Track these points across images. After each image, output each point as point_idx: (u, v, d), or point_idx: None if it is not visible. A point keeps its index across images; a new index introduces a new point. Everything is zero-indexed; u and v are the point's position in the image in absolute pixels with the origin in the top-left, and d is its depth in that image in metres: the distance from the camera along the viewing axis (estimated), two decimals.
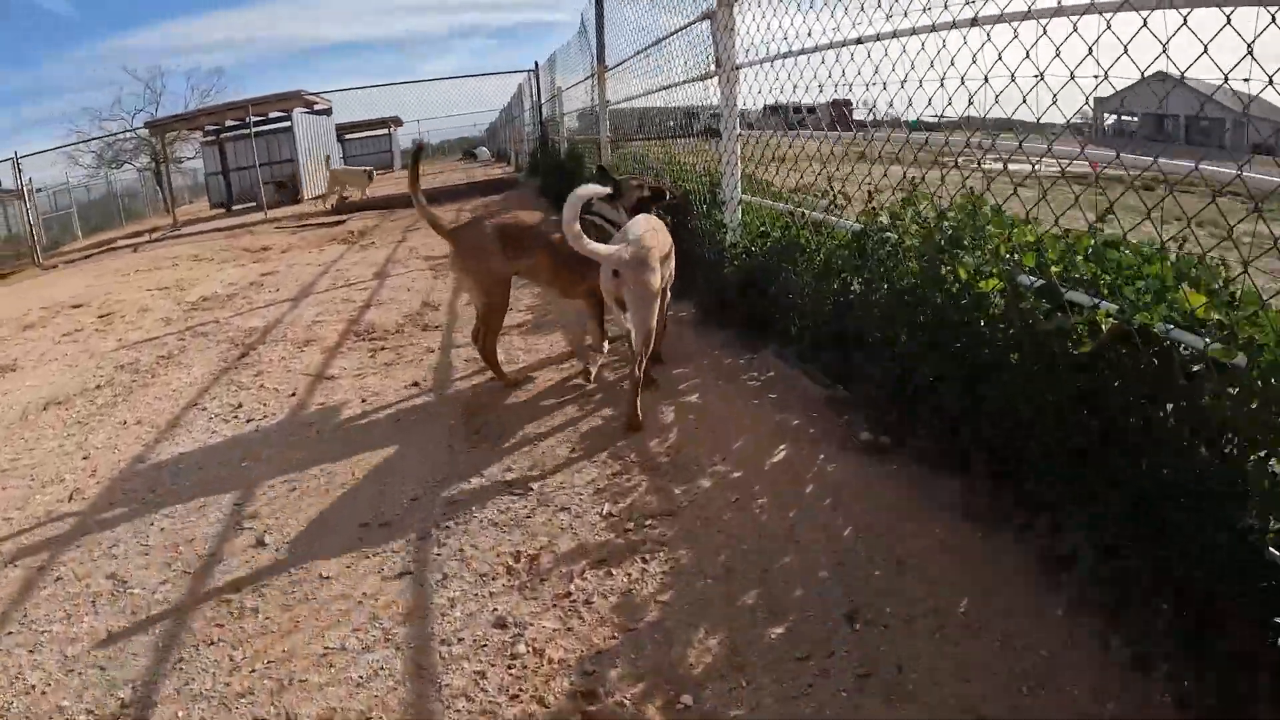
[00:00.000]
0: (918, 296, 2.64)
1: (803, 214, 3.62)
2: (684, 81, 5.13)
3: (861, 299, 3.01)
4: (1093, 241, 2.39)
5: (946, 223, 2.64)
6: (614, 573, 2.19)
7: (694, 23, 4.66)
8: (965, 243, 2.59)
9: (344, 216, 12.96)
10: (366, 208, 13.94)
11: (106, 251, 13.63)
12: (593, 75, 8.40)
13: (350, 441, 3.25)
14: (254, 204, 17.12)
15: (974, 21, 2.48)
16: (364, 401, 3.70)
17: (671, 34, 5.23)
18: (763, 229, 3.92)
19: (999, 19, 2.39)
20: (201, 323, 5.94)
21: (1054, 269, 2.31)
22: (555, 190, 10.70)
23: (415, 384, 3.83)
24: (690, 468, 2.68)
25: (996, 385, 2.28)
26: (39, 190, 20.71)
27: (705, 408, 3.14)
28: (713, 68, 4.44)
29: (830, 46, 3.24)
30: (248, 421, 3.65)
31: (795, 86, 3.66)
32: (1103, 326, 2.04)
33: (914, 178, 3.05)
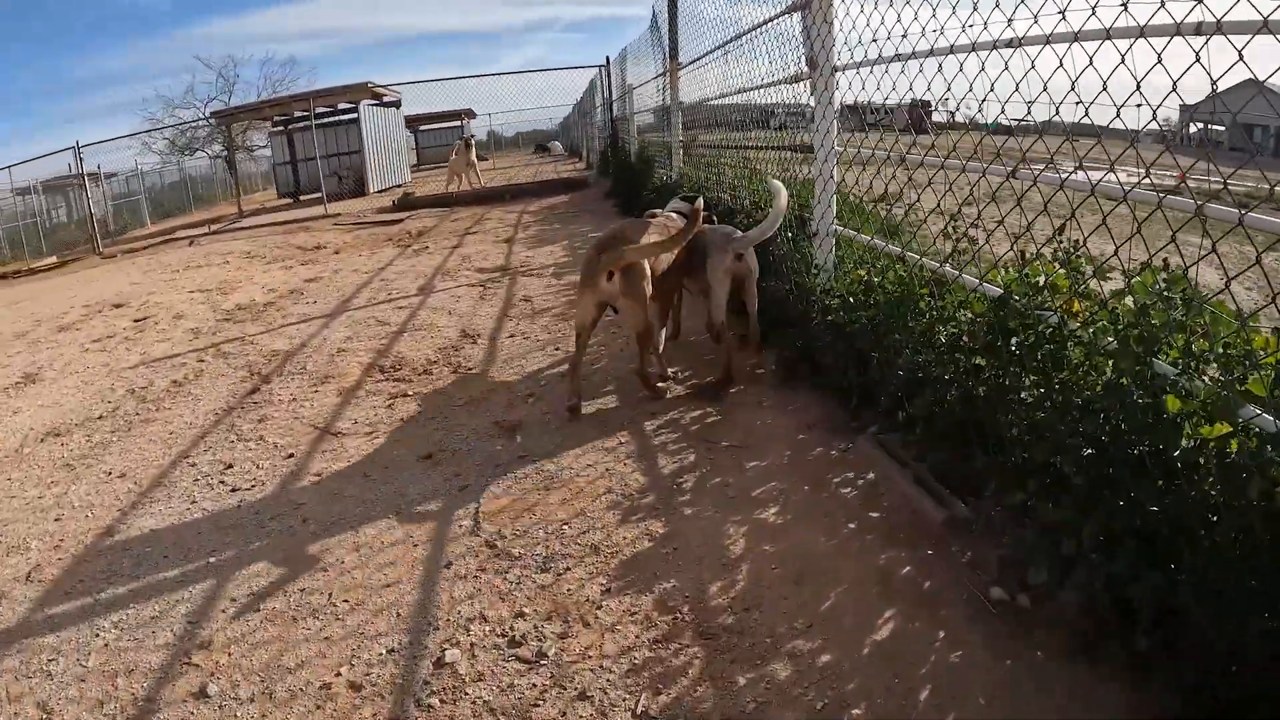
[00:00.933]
0: (1093, 417, 1.85)
1: (919, 264, 2.82)
2: (768, 84, 4.34)
3: (998, 393, 2.22)
4: None
5: (1149, 319, 1.83)
6: None
7: (781, 15, 3.87)
8: (1163, 348, 1.81)
9: (403, 215, 12.48)
10: (430, 205, 13.48)
11: (166, 242, 13.52)
12: (664, 73, 7.63)
13: (338, 540, 2.61)
14: (321, 194, 16.88)
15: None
16: (366, 476, 3.05)
17: (753, 29, 4.44)
18: (864, 276, 3.11)
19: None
20: (228, 339, 5.53)
21: None
22: (624, 193, 10.06)
23: (429, 456, 3.15)
24: (761, 638, 1.92)
25: (1203, 569, 1.51)
26: (111, 176, 21.08)
27: (786, 533, 2.35)
28: (804, 69, 3.66)
29: (972, 48, 2.44)
30: (232, 491, 3.08)
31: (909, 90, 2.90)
32: None
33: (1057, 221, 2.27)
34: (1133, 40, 1.83)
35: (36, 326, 6.95)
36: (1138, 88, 1.85)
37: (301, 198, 19.17)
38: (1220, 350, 1.78)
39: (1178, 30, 1.73)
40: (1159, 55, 1.76)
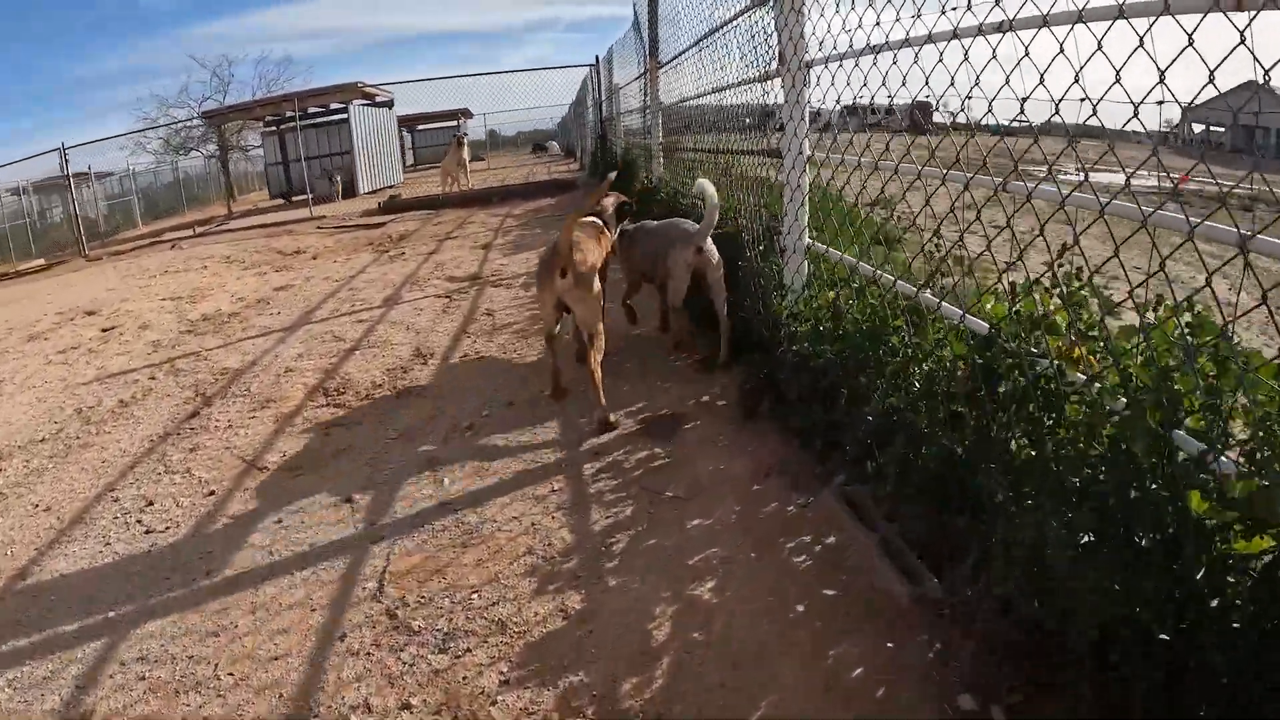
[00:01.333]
0: (1093, 502, 1.51)
1: (894, 290, 2.47)
2: (740, 83, 4.02)
3: (981, 449, 1.89)
4: None
5: (1172, 384, 1.48)
6: None
7: (751, 8, 3.55)
8: (1188, 416, 1.46)
9: (387, 218, 12.19)
10: (415, 207, 13.19)
11: (151, 244, 13.28)
12: (645, 72, 7.27)
13: (236, 600, 2.36)
14: (314, 195, 16.54)
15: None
16: (280, 522, 2.76)
17: (725, 24, 4.11)
18: (836, 300, 2.77)
19: None
20: (185, 353, 5.30)
21: None
22: None
23: (349, 499, 2.85)
24: None
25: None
26: (105, 176, 20.86)
27: (722, 615, 2.01)
28: (775, 65, 3.33)
29: (954, 35, 2.10)
30: (147, 533, 2.86)
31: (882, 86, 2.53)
32: None
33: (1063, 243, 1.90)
34: (1153, 19, 1.45)
35: (8, 335, 6.78)
36: (1161, 79, 1.44)
37: (294, 199, 18.87)
38: (1259, 417, 1.38)
39: (1216, 4, 1.34)
40: (1189, 36, 1.37)
